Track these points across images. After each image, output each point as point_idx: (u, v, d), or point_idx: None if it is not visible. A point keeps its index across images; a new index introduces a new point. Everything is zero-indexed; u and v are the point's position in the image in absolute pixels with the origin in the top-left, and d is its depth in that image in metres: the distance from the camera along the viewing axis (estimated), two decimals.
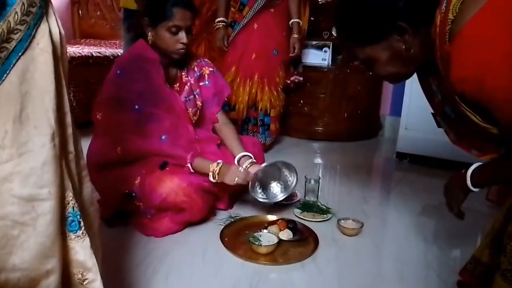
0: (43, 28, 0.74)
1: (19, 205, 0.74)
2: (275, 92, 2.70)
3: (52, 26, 0.77)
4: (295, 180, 1.90)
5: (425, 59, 1.03)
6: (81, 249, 0.85)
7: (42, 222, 0.77)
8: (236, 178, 1.69)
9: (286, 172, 1.93)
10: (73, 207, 0.83)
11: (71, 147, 0.84)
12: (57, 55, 0.78)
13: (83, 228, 0.85)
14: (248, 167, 1.83)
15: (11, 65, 0.71)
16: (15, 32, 0.70)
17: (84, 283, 0.88)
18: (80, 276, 0.87)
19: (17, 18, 0.70)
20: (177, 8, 1.66)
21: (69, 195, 0.83)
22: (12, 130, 0.72)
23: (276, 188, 1.94)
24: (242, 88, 2.61)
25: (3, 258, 0.75)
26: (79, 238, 0.85)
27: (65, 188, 0.82)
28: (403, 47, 1.02)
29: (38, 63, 0.74)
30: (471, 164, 1.16)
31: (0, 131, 0.71)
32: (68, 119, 0.82)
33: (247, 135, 2.70)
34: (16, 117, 0.72)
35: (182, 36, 1.70)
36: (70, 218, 0.84)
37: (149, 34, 1.71)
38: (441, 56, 0.96)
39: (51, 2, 0.78)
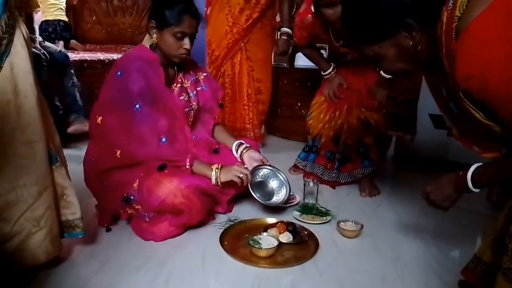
0: (17, 32, 1.19)
1: (25, 146, 1.20)
2: (356, 119, 2.22)
3: (22, 29, 1.22)
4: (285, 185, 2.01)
5: (431, 56, 1.03)
6: (59, 175, 1.34)
7: (39, 156, 1.24)
8: (233, 171, 1.73)
9: (280, 176, 2.01)
10: (52, 149, 1.31)
11: (45, 110, 1.31)
12: (29, 46, 1.23)
13: (59, 161, 1.34)
14: (245, 152, 1.96)
15: (5, 57, 1.15)
16: (3, 39, 1.15)
17: (64, 197, 1.37)
18: (61, 192, 1.36)
19: (3, 30, 1.14)
20: (185, 15, 1.69)
21: (49, 141, 1.29)
22: (13, 100, 1.16)
23: (277, 189, 2.00)
24: (322, 116, 2.28)
25: (15, 179, 1.20)
26: (58, 168, 1.34)
27: (47, 135, 1.27)
28: (411, 43, 1.01)
29: (20, 54, 1.18)
30: (469, 165, 1.16)
31: (4, 100, 1.15)
32: (39, 89, 1.25)
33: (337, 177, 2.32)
34: (13, 89, 1.16)
35: (186, 42, 1.72)
36: (52, 155, 1.31)
37: (154, 36, 1.73)
38: (446, 53, 0.96)
39: (18, 14, 1.24)
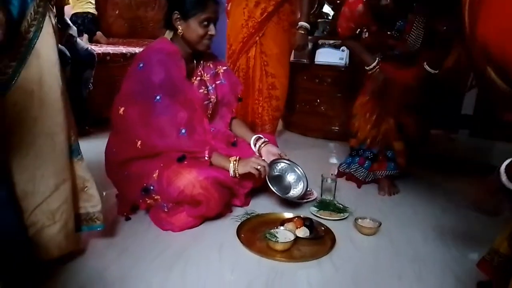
0: (47, 20, 1.17)
1: (45, 137, 1.19)
2: (394, 119, 2.20)
3: (52, 19, 1.20)
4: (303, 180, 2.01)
5: None
6: (81, 168, 1.34)
7: (59, 148, 1.22)
8: (251, 163, 1.75)
9: (298, 171, 2.01)
10: (73, 140, 1.30)
11: (67, 103, 1.26)
12: (56, 37, 1.22)
13: (81, 154, 1.34)
14: (263, 146, 1.97)
15: (33, 45, 1.14)
16: (31, 26, 1.14)
17: (85, 190, 1.36)
18: (82, 185, 1.35)
19: (32, 17, 1.14)
20: (209, 1, 1.71)
21: (71, 132, 1.28)
22: (37, 90, 1.15)
23: (294, 183, 2.01)
24: (369, 116, 2.25)
25: (33, 170, 1.18)
26: (80, 160, 1.33)
27: (69, 127, 1.26)
28: None
29: (48, 43, 1.18)
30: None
31: (28, 89, 1.14)
32: (64, 81, 1.23)
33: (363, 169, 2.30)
34: (38, 79, 1.15)
35: (212, 28, 1.75)
36: (73, 148, 1.30)
37: (179, 27, 1.75)
38: (470, 7, 0.92)
39: (49, 2, 1.21)
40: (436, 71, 2.09)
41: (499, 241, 1.24)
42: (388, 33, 2.10)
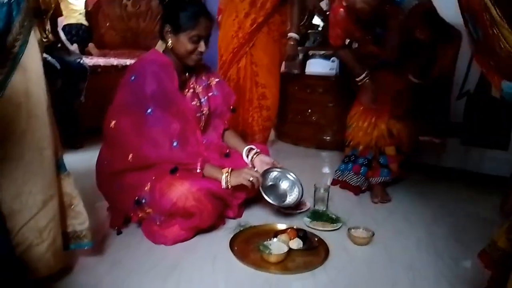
0: (32, 35, 1.16)
1: (33, 151, 1.15)
2: (385, 125, 2.24)
3: (37, 33, 1.21)
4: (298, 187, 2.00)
5: None
6: (68, 184, 1.31)
7: (47, 162, 1.19)
8: (243, 175, 1.74)
9: (290, 176, 2.01)
10: (60, 155, 1.28)
11: (53, 117, 1.24)
12: (41, 51, 1.21)
13: (67, 170, 1.31)
14: (255, 157, 1.97)
15: (19, 59, 1.12)
16: (17, 40, 1.12)
17: (72, 207, 1.33)
18: (69, 202, 1.32)
19: (17, 31, 1.12)
20: (201, 18, 1.72)
21: (57, 149, 1.26)
22: (25, 103, 1.13)
23: (289, 190, 2.01)
24: (361, 123, 2.29)
25: (21, 185, 1.14)
26: (66, 176, 1.31)
27: (55, 141, 1.24)
28: None
29: (34, 57, 1.16)
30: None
31: (16, 102, 1.12)
32: (49, 95, 1.21)
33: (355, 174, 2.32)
34: (25, 92, 1.13)
35: (202, 45, 1.75)
36: (60, 163, 1.28)
37: (169, 40, 1.75)
38: None
39: (34, 17, 1.21)
40: (421, 81, 2.15)
41: (499, 234, 1.24)
42: (370, 38, 2.15)
